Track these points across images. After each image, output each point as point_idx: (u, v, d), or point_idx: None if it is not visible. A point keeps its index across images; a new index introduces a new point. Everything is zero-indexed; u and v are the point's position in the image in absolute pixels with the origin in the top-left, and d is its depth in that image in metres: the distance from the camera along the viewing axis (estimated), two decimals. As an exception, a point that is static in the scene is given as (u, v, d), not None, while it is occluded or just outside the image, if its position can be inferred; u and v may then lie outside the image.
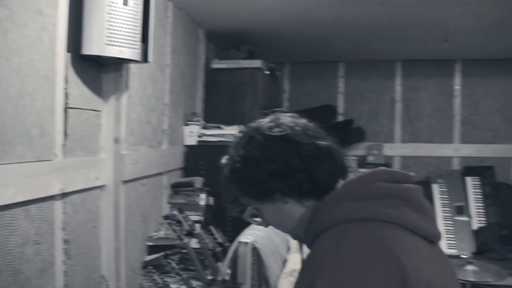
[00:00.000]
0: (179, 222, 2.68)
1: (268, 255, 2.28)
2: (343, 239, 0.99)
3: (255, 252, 2.22)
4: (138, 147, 2.64)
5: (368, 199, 1.05)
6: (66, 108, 2.07)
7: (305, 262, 1.08)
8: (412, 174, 1.15)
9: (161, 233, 2.79)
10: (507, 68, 4.95)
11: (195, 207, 2.95)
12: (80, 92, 2.16)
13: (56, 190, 1.97)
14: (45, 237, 1.93)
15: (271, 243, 2.38)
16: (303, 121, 1.20)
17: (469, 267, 2.64)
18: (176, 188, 3.05)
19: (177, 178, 3.22)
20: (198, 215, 2.93)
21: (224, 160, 1.24)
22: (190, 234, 2.69)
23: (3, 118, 1.69)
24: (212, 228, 2.95)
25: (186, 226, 2.68)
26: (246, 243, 2.23)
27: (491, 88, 5.01)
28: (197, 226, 2.76)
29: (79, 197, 2.16)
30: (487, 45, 4.34)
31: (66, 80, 2.07)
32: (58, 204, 2.02)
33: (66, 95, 2.07)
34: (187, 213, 2.82)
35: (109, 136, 2.39)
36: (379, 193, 1.06)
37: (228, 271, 2.22)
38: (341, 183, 1.14)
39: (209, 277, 2.24)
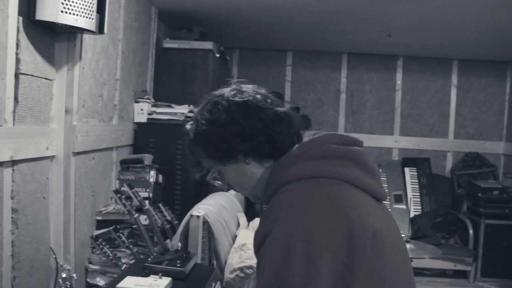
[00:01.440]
0: (128, 198, 2.66)
1: (219, 229, 2.33)
2: (297, 193, 1.09)
3: (206, 226, 2.26)
4: (89, 119, 2.60)
5: (319, 159, 1.14)
6: (17, 74, 2.01)
7: (263, 215, 1.16)
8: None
9: (110, 208, 2.76)
10: (445, 67, 5.25)
11: (144, 184, 2.94)
12: (33, 58, 2.10)
13: (5, 157, 1.91)
14: (-7, 204, 1.88)
15: (221, 218, 2.43)
16: (263, 90, 1.28)
17: (407, 245, 2.80)
18: (126, 164, 3.02)
19: (126, 154, 3.19)
20: (147, 191, 2.92)
21: (188, 125, 1.28)
22: (140, 210, 2.67)
23: (-47, 77, 1.63)
24: (161, 205, 2.95)
25: (136, 202, 2.66)
26: (197, 216, 2.26)
27: (429, 84, 5.29)
28: (146, 202, 2.75)
29: (28, 166, 2.10)
30: (428, 43, 4.58)
31: (18, 45, 2.00)
32: (7, 172, 1.97)
33: (18, 60, 2.01)
34: (136, 189, 2.80)
35: (61, 106, 2.34)
36: (330, 154, 1.15)
37: (179, 244, 2.24)
38: (296, 146, 1.23)
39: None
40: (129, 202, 2.57)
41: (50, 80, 2.27)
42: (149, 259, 1.85)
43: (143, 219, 2.68)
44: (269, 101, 1.24)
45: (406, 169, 5.08)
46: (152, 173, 2.97)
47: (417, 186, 5.03)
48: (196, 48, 3.71)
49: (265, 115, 1.20)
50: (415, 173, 5.07)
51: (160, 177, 3.05)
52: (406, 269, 1.13)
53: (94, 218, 2.69)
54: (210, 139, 1.21)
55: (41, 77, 2.17)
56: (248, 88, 1.26)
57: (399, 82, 5.30)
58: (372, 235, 1.02)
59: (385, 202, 1.22)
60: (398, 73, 5.30)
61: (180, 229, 2.33)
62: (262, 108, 1.21)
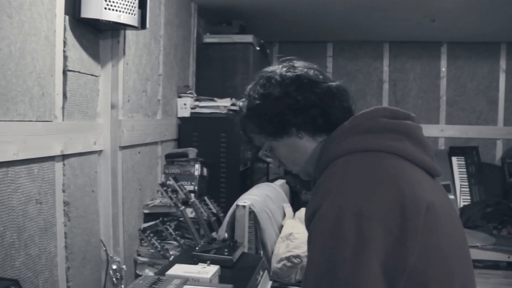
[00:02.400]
0: (174, 191, 2.70)
1: (265, 219, 2.32)
2: (348, 166, 1.08)
3: (252, 216, 2.26)
4: (134, 114, 2.65)
5: (371, 132, 1.12)
6: (65, 71, 2.07)
7: (314, 189, 1.14)
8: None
9: (157, 202, 2.80)
10: (492, 51, 5.05)
11: (189, 177, 2.98)
12: (79, 55, 2.16)
13: (56, 151, 1.98)
14: (46, 197, 1.94)
15: (267, 208, 2.42)
16: (315, 66, 1.28)
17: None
18: (171, 158, 3.07)
19: (171, 149, 3.23)
20: (192, 185, 2.95)
21: (240, 102, 1.29)
22: (185, 203, 2.71)
23: (6, 74, 1.69)
24: (206, 198, 2.97)
25: (181, 195, 2.69)
26: (243, 206, 2.26)
27: (476, 70, 5.11)
28: (192, 195, 2.77)
29: (77, 161, 2.16)
30: (473, 28, 4.42)
31: (65, 43, 2.07)
32: (58, 166, 2.03)
33: (65, 58, 2.07)
34: (182, 182, 2.84)
35: (106, 102, 2.40)
36: (382, 128, 1.13)
37: (226, 234, 2.25)
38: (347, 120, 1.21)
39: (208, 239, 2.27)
40: (175, 195, 2.61)
41: (96, 76, 2.32)
42: (197, 248, 1.87)
43: (189, 212, 2.71)
44: (321, 76, 1.25)
45: (454, 158, 4.94)
46: (197, 166, 2.99)
47: (466, 176, 4.87)
48: (236, 42, 3.72)
49: (318, 89, 1.21)
50: (463, 162, 4.92)
51: (205, 170, 3.08)
52: (462, 245, 1.09)
53: (141, 211, 2.74)
54: (264, 113, 1.22)
55: (87, 74, 2.23)
56: (300, 64, 1.27)
57: (443, 69, 5.15)
58: (425, 208, 0.99)
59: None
60: (442, 60, 5.15)
61: (226, 219, 2.34)
62: (315, 82, 1.22)
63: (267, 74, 1.26)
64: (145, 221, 2.73)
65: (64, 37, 2.06)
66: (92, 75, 2.28)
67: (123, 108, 2.48)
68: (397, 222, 0.96)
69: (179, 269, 1.58)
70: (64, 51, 2.06)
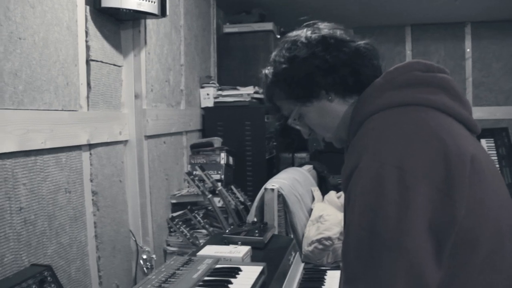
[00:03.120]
0: (201, 180, 2.69)
1: (294, 202, 2.29)
2: (385, 121, 1.02)
3: (281, 199, 2.23)
4: (158, 104, 2.65)
5: (406, 87, 1.06)
6: (88, 61, 2.07)
7: (349, 149, 1.08)
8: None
9: (184, 192, 2.80)
10: (518, 29, 4.92)
11: (215, 166, 2.96)
12: (101, 45, 2.16)
13: (83, 141, 1.98)
14: (75, 186, 1.95)
15: (296, 191, 2.39)
16: (341, 26, 1.22)
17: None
18: (196, 148, 3.06)
19: (196, 139, 3.22)
20: (218, 173, 2.94)
21: (265, 70, 1.24)
22: (213, 192, 2.70)
23: (30, 64, 1.70)
24: (233, 187, 2.96)
25: (208, 183, 2.68)
26: (272, 189, 2.23)
27: (502, 49, 4.97)
28: (219, 184, 2.76)
29: (104, 150, 2.17)
30: (497, 6, 4.30)
31: (87, 33, 2.07)
32: (85, 155, 2.04)
33: (88, 48, 2.07)
34: (208, 172, 2.83)
35: (130, 91, 2.40)
36: (417, 81, 1.07)
37: (255, 219, 2.22)
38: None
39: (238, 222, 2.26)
40: (202, 183, 2.60)
41: (119, 66, 2.32)
42: (227, 231, 1.85)
43: (217, 201, 2.70)
44: (348, 36, 1.18)
45: (483, 141, 4.80)
46: (223, 155, 2.98)
47: (496, 158, 4.74)
48: (257, 30, 3.69)
49: (346, 48, 1.15)
50: (493, 144, 4.78)
51: (231, 159, 3.06)
52: (506, 196, 1.03)
53: (169, 202, 2.74)
54: (291, 77, 1.17)
55: (110, 64, 2.23)
56: (325, 25, 1.22)
57: (468, 50, 5.03)
58: (470, 161, 0.93)
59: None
60: (466, 41, 5.03)
61: (255, 204, 2.31)
62: (343, 41, 1.16)
63: (291, 38, 1.21)
64: (172, 211, 2.72)
65: (86, 27, 2.06)
66: (114, 65, 2.28)
67: (146, 98, 2.47)
68: (442, 176, 0.90)
69: (210, 250, 1.56)
70: (86, 41, 2.06)
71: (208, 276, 1.34)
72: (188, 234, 2.34)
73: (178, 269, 1.36)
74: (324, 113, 1.18)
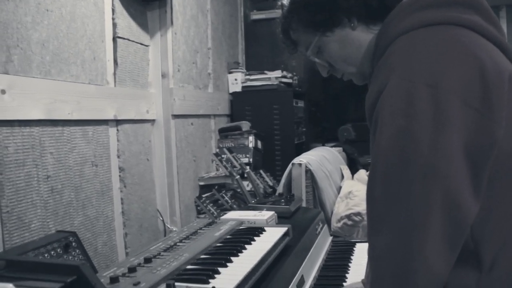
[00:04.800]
0: (229, 161, 2.67)
1: (322, 178, 2.23)
2: (415, 39, 0.93)
3: (309, 174, 2.18)
4: (185, 85, 2.64)
5: (436, 6, 0.96)
6: (115, 37, 2.09)
7: (375, 72, 1.00)
8: None
9: (212, 174, 2.78)
10: None
11: (243, 149, 2.94)
12: (127, 24, 2.17)
13: (109, 115, 1.99)
14: (101, 160, 1.95)
15: (324, 167, 2.33)
16: None
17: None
18: (224, 132, 3.04)
19: (224, 124, 3.21)
20: (247, 157, 2.91)
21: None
22: (241, 175, 2.67)
23: (58, 36, 1.71)
24: (261, 171, 2.93)
25: (236, 165, 2.66)
26: (299, 164, 2.18)
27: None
28: (247, 167, 2.74)
29: (131, 128, 2.17)
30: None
31: (113, 10, 2.08)
32: (112, 131, 2.05)
33: (114, 25, 2.08)
34: (237, 155, 2.81)
35: (157, 72, 2.40)
36: (447, 1, 0.97)
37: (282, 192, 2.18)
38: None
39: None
40: (230, 164, 2.58)
41: (145, 46, 2.33)
42: (253, 201, 1.82)
43: (245, 185, 2.67)
44: None
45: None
46: (251, 138, 2.95)
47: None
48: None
49: None
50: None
51: (259, 143, 3.03)
52: None
53: (196, 183, 2.73)
54: (311, 2, 1.08)
55: (136, 42, 2.24)
56: None
57: (505, 35, 4.84)
58: (508, 78, 0.86)
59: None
60: (502, 24, 4.85)
61: (282, 181, 2.27)
62: None
63: None
64: (200, 194, 2.71)
65: (112, 4, 2.08)
66: (141, 44, 2.29)
67: (173, 77, 2.47)
68: (479, 94, 0.83)
69: (234, 214, 1.53)
70: (113, 18, 2.08)
71: (230, 235, 1.31)
72: (215, 213, 2.32)
73: (200, 229, 1.34)
74: (346, 43, 1.09)
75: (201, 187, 2.72)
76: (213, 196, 2.51)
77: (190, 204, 2.62)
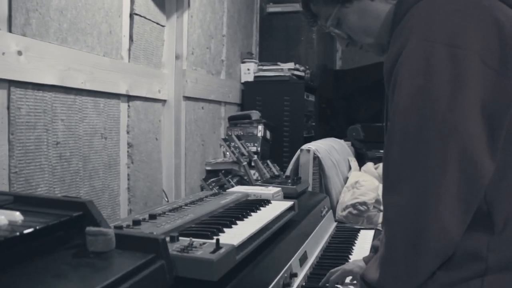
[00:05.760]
0: (237, 147, 2.67)
1: (330, 167, 2.23)
2: (434, 3, 0.92)
3: (317, 161, 2.17)
4: (198, 69, 2.65)
5: None
6: (132, 14, 2.09)
7: (393, 37, 0.99)
8: None
9: (219, 160, 2.79)
10: None
11: (252, 138, 2.94)
12: (145, 2, 2.18)
13: (122, 90, 2.00)
14: (111, 134, 1.96)
15: (332, 157, 2.33)
16: None
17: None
18: (234, 120, 3.04)
19: (234, 113, 3.21)
20: (255, 146, 2.91)
21: None
22: (248, 164, 2.67)
23: (76, 5, 1.73)
24: (269, 162, 2.93)
25: (245, 153, 2.66)
26: (308, 150, 2.18)
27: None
28: (255, 156, 2.74)
29: (142, 105, 2.18)
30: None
31: (131, -13, 2.09)
32: (123, 106, 2.06)
33: (132, 2, 2.09)
34: (245, 142, 2.81)
35: (171, 53, 2.41)
36: None
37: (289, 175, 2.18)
38: None
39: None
40: (237, 151, 2.58)
41: (161, 26, 2.34)
42: (259, 181, 1.82)
43: (252, 174, 2.67)
44: None
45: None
46: (260, 127, 2.95)
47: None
48: (300, 10, 3.64)
49: None
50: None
51: (268, 133, 3.03)
52: None
53: (203, 168, 2.73)
54: None
55: (153, 21, 2.25)
56: None
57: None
58: None
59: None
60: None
61: (290, 166, 2.27)
62: None
63: None
64: (207, 178, 2.71)
65: (131, -20, 2.09)
66: (157, 23, 2.30)
67: (187, 60, 2.48)
68: (497, 55, 0.83)
69: (240, 188, 1.53)
70: (130, -5, 2.09)
71: (236, 204, 1.31)
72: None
73: (206, 197, 1.34)
74: (365, 14, 1.09)
75: (208, 172, 2.72)
76: (220, 180, 2.51)
77: (196, 187, 2.62)
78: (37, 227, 0.65)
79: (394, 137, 0.90)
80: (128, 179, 2.10)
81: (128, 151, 2.10)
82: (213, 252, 0.83)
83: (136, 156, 2.15)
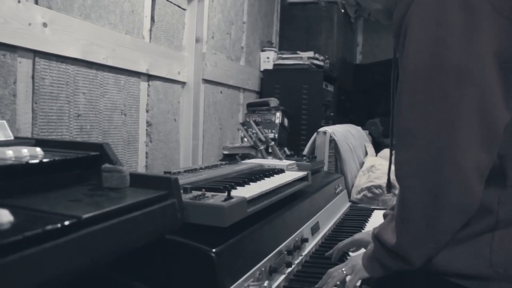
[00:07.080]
0: (254, 133, 2.69)
1: (346, 150, 2.23)
2: None
3: (333, 144, 2.18)
4: (218, 53, 2.68)
5: None
6: (154, -5, 2.13)
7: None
8: None
9: (236, 144, 2.81)
10: None
11: (270, 125, 2.95)
12: (167, -16, 2.22)
13: (142, 69, 2.04)
14: (131, 111, 2.00)
15: (349, 140, 2.33)
16: None
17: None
18: (252, 107, 3.07)
19: (252, 100, 3.23)
20: (272, 132, 2.93)
21: None
22: (266, 150, 2.68)
23: (99, -18, 1.77)
24: (286, 149, 2.93)
25: (262, 138, 2.67)
26: (324, 132, 2.19)
27: None
28: (272, 142, 2.75)
29: (162, 86, 2.22)
30: None
31: (154, -31, 2.13)
32: (143, 85, 2.09)
33: (154, -17, 2.13)
34: (263, 129, 2.82)
35: (191, 36, 2.45)
36: None
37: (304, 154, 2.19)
38: None
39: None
40: (255, 135, 2.59)
41: (183, 9, 2.37)
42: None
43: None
44: None
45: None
46: (278, 114, 2.97)
47: None
48: (320, 1, 3.66)
49: None
50: None
51: (286, 121, 3.05)
52: None
53: (220, 151, 2.76)
54: None
55: (174, 4, 2.28)
56: None
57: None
58: None
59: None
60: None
61: (307, 148, 2.28)
62: None
63: None
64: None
65: (153, -38, 2.12)
66: (179, 6, 2.33)
67: (207, 43, 2.52)
68: (510, 3, 0.82)
69: (254, 161, 1.55)
70: (153, -24, 2.13)
71: (249, 171, 1.34)
72: (236, 177, 2.34)
73: (221, 165, 1.36)
74: None
75: (225, 156, 2.75)
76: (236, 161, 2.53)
77: (213, 170, 2.65)
78: (56, 158, 0.68)
79: (405, 88, 0.88)
80: (146, 157, 2.14)
81: (147, 130, 2.13)
82: (225, 200, 0.85)
83: (155, 135, 2.18)
